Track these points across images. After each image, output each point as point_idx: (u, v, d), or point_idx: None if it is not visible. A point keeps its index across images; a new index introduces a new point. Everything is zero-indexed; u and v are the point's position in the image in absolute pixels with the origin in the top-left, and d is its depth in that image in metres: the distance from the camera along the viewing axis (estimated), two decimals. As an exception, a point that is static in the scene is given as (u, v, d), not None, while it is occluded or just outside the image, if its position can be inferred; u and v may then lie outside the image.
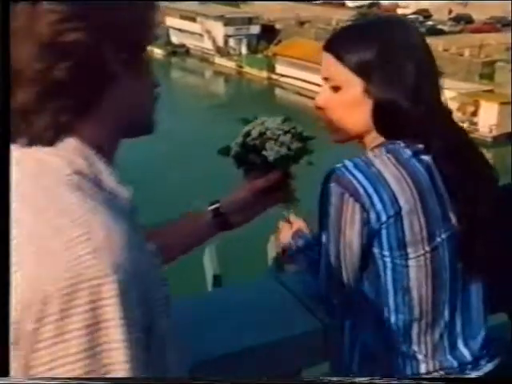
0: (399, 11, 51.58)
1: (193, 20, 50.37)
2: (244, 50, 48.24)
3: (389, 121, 1.17)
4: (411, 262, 1.16)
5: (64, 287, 0.65)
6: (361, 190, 1.13)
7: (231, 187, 1.35)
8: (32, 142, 0.74)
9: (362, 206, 1.13)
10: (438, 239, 1.16)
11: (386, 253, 1.16)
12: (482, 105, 29.64)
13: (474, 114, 29.88)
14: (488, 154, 27.01)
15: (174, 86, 43.79)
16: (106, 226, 0.69)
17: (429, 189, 1.15)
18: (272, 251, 2.02)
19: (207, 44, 49.79)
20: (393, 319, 1.20)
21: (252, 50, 47.82)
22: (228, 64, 47.08)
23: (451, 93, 29.91)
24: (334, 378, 0.80)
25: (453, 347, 1.22)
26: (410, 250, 1.15)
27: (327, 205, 1.17)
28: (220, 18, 48.80)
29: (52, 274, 0.65)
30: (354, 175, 1.14)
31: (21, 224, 0.68)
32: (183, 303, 1.67)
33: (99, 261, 0.66)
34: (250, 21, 49.53)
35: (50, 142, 0.74)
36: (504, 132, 28.36)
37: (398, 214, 1.13)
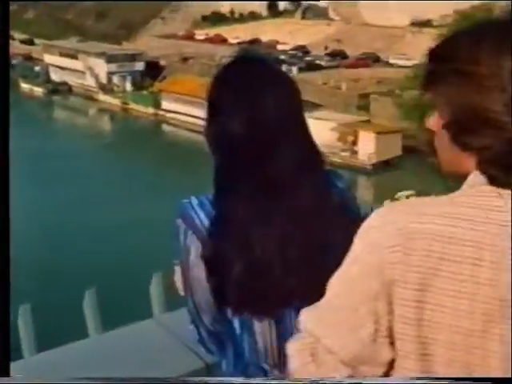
0: (279, 47, 53.65)
1: (74, 57, 49.29)
2: (129, 87, 47.78)
3: None
4: None
5: None
6: (202, 230, 1.19)
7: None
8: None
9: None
10: None
11: None
12: (361, 134, 31.30)
13: (354, 143, 31.48)
14: (368, 182, 28.48)
15: (57, 126, 42.19)
16: None
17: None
18: (155, 292, 2.01)
19: (90, 81, 48.81)
20: (246, 355, 1.22)
21: (137, 86, 47.50)
22: (113, 101, 46.36)
23: (332, 124, 31.42)
24: (330, 378, 0.80)
25: None
26: None
27: (177, 241, 1.23)
28: (102, 54, 48.17)
29: None
30: (196, 213, 1.20)
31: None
32: (66, 353, 1.62)
33: None
34: (133, 57, 49.27)
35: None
36: (382, 160, 30.09)
37: None
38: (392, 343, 0.88)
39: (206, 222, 1.18)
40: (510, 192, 0.85)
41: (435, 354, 0.86)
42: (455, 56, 0.89)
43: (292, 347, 0.94)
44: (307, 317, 0.93)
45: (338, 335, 0.89)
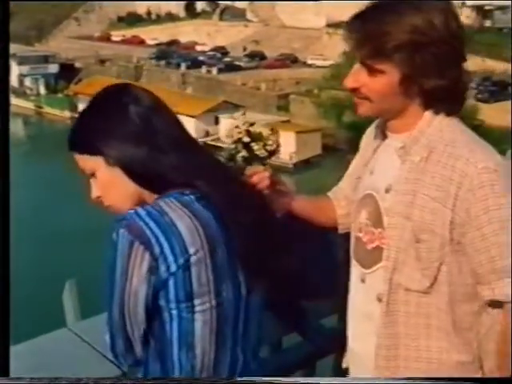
0: (198, 48, 53.60)
1: (-19, 59, 47.08)
2: (42, 90, 46.25)
3: None
4: (197, 316, 1.16)
5: None
6: (152, 239, 1.11)
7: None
8: None
9: (152, 255, 1.11)
10: (224, 293, 1.18)
11: (173, 305, 1.15)
12: (281, 134, 31.75)
13: (275, 143, 31.90)
14: (290, 180, 28.99)
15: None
16: None
17: (219, 240, 1.17)
18: (69, 300, 1.92)
19: None
20: (176, 373, 1.18)
21: (51, 89, 46.04)
22: (26, 105, 44.67)
23: (252, 124, 31.70)
24: (331, 378, 0.79)
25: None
26: (196, 302, 1.15)
27: (115, 251, 1.13)
28: (12, 56, 46.25)
29: None
30: (146, 223, 1.12)
31: None
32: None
33: None
34: (46, 59, 47.71)
35: None
36: (302, 159, 30.69)
37: (187, 263, 1.13)
38: None
39: (158, 232, 1.12)
40: None
41: None
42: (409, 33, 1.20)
43: None
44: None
45: None
